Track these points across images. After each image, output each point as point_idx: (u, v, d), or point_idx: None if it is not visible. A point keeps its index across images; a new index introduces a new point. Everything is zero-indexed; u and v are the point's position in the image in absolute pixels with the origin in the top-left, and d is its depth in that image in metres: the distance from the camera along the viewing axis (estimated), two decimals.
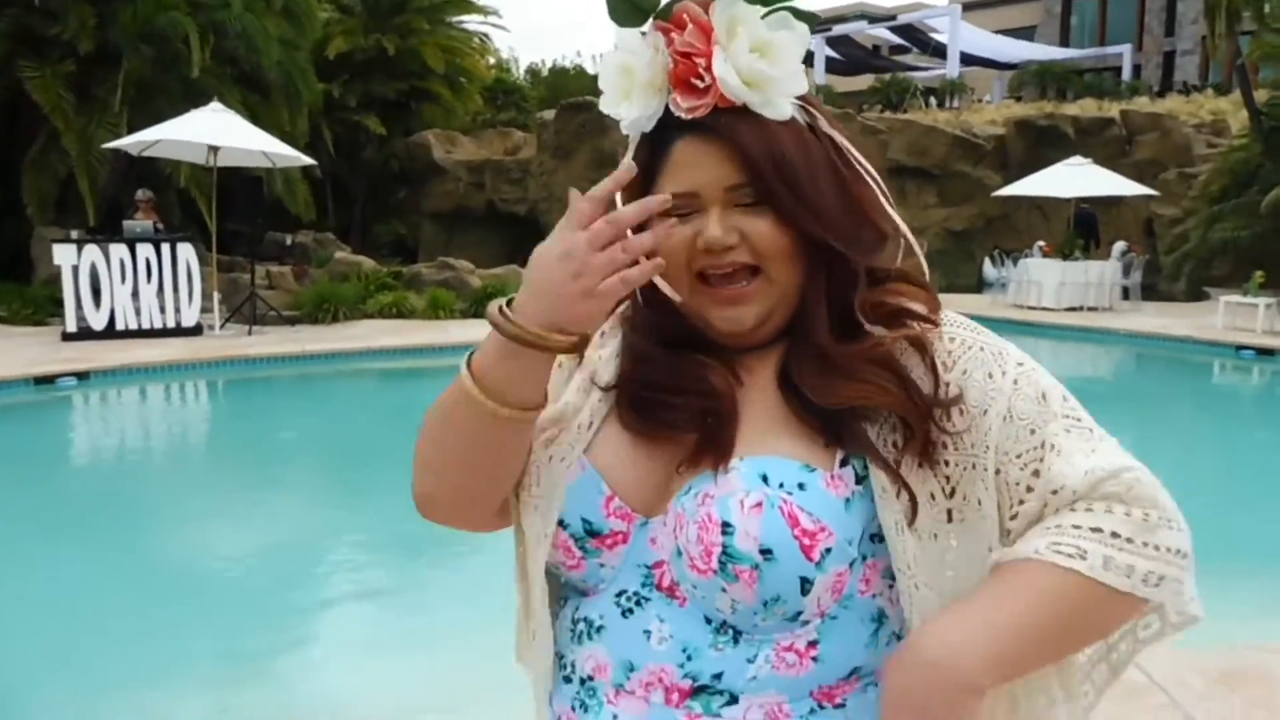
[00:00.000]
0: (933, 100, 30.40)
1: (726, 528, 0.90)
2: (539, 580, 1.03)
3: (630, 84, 0.97)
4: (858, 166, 0.99)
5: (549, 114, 20.89)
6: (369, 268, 15.17)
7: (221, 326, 12.42)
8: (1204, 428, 9.46)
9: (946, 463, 0.95)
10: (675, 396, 0.98)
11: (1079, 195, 16.61)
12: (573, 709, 1.01)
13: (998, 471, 0.95)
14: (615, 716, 0.97)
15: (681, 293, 0.97)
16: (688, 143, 0.95)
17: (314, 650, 4.33)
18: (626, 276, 0.87)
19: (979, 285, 18.70)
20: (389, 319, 13.71)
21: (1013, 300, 16.51)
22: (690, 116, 0.94)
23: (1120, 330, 14.11)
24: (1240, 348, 12.43)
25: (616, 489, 0.99)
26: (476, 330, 12.86)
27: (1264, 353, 12.20)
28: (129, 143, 12.43)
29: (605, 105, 1.00)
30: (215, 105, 12.56)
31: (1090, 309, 15.82)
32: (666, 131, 0.96)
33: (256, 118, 14.00)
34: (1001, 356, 0.98)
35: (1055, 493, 0.94)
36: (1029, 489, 0.94)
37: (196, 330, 12.07)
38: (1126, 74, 35.71)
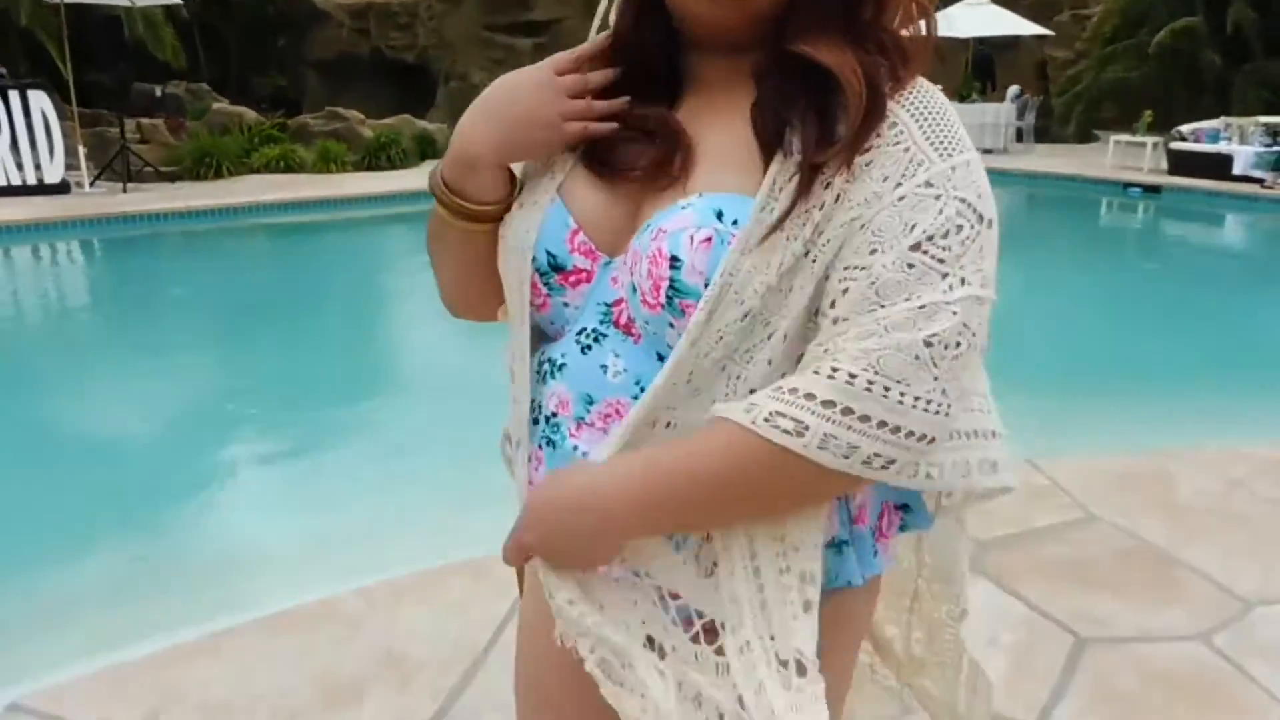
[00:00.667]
0: None
1: (675, 262, 0.89)
2: (521, 330, 1.04)
3: None
4: None
5: None
6: (251, 119, 14.36)
7: (92, 184, 11.62)
8: (1097, 260, 9.80)
9: (794, 237, 0.87)
10: (633, 130, 0.99)
11: (977, 35, 16.62)
12: (540, 447, 1.03)
13: (826, 276, 0.87)
14: (576, 448, 0.99)
15: None
16: None
17: (217, 505, 4.22)
18: (591, 128, 0.98)
19: None
20: (276, 173, 13.09)
21: None
22: None
23: (1014, 171, 14.41)
24: (1128, 185, 12.88)
25: (582, 224, 0.99)
26: (371, 183, 12.45)
27: (1150, 190, 12.69)
28: None
29: None
30: None
31: (985, 151, 16.08)
32: None
33: None
34: (914, 168, 0.87)
35: (836, 323, 0.86)
36: (832, 304, 0.87)
37: (63, 188, 11.25)
38: None
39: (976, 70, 17.42)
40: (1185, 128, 13.28)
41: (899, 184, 0.86)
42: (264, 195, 11.32)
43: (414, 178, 12.87)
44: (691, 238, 0.88)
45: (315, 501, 4.05)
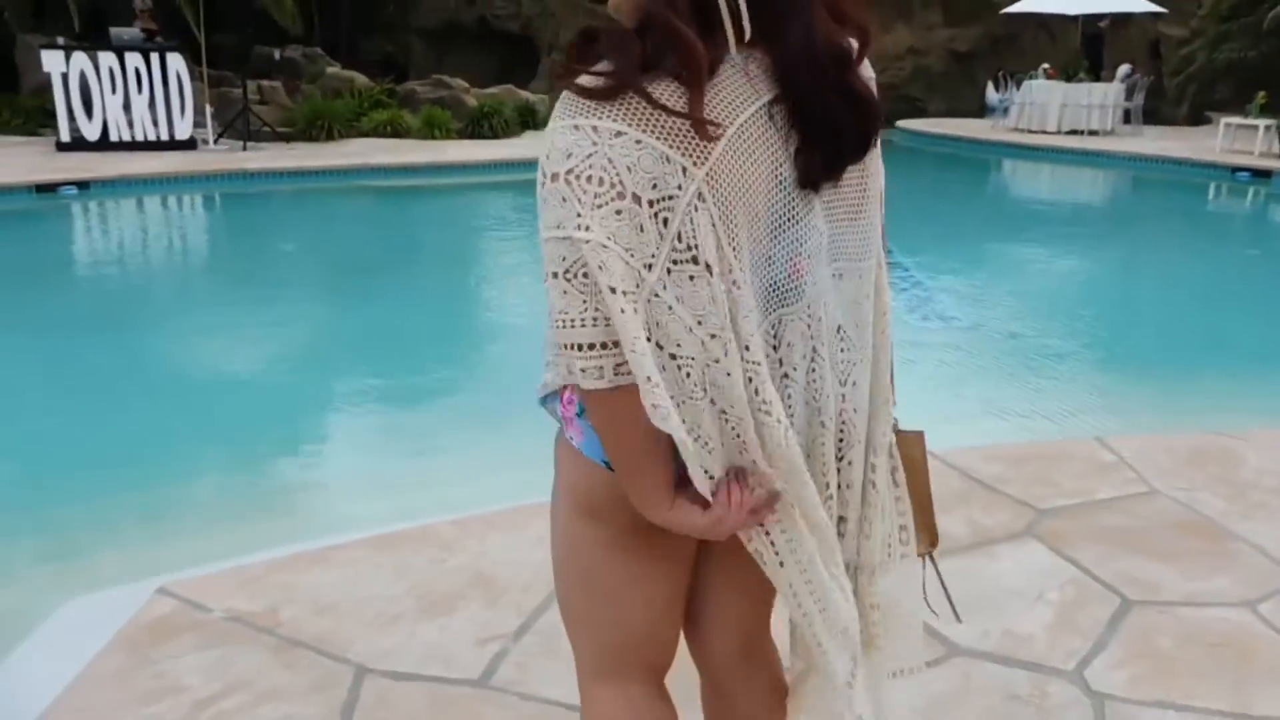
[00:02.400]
0: None
1: None
2: None
3: None
4: None
5: None
6: (362, 84, 14.84)
7: (215, 141, 12.27)
8: (1196, 246, 9.55)
9: None
10: None
11: (1086, 12, 16.14)
12: None
13: None
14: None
15: None
16: None
17: (328, 440, 4.54)
18: None
19: (981, 109, 18.31)
20: (384, 137, 13.51)
21: (1014, 124, 16.27)
22: None
23: (1119, 153, 14.00)
24: (1236, 170, 12.41)
25: None
26: (474, 151, 12.75)
27: (1260, 174, 12.19)
28: None
29: None
30: None
31: (1091, 132, 15.65)
32: None
33: None
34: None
35: None
36: None
37: (191, 144, 11.94)
38: None
39: (1086, 47, 16.89)
40: None
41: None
42: (372, 158, 11.76)
43: (515, 147, 13.12)
44: None
45: (416, 442, 4.34)
